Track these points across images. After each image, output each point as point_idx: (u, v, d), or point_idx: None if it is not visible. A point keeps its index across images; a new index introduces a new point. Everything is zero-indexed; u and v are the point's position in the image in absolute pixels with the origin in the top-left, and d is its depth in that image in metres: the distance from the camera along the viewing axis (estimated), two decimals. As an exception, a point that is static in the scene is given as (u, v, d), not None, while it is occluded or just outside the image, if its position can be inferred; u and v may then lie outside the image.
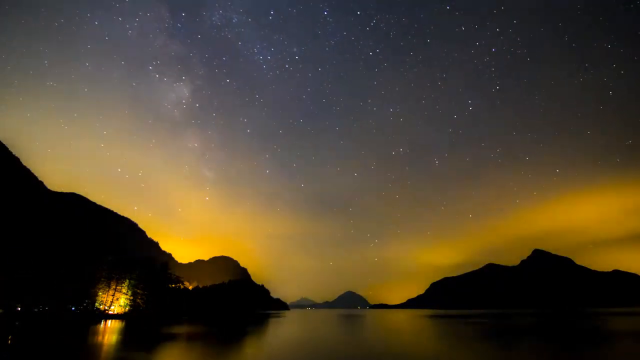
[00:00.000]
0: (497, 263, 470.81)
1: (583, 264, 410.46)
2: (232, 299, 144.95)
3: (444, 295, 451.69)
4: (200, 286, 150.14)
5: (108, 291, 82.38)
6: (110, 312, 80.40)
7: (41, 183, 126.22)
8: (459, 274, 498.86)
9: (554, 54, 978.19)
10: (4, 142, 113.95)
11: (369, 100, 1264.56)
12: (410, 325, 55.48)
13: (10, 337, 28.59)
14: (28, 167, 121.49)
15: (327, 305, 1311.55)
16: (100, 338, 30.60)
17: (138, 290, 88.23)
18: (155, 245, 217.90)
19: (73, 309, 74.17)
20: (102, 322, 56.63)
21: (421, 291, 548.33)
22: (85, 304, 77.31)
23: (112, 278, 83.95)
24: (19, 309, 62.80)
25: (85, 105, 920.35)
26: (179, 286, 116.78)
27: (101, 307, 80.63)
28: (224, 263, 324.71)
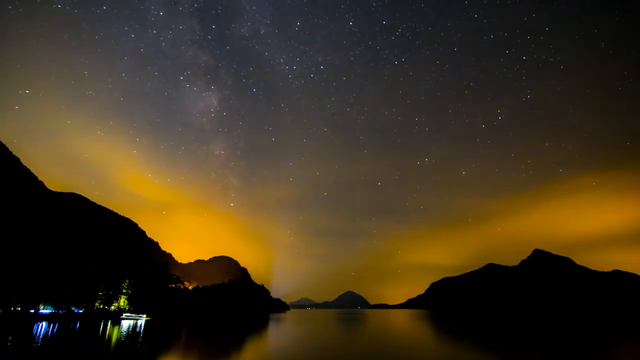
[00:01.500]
0: (497, 263, 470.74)
1: (583, 264, 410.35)
2: (232, 299, 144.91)
3: (444, 295, 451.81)
4: (200, 286, 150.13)
5: (108, 291, 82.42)
6: (110, 312, 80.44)
7: (41, 183, 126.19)
8: (459, 274, 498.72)
9: (589, 62, 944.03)
10: (6, 143, 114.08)
11: (394, 110, 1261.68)
12: (410, 325, 55.50)
13: (10, 337, 28.61)
14: (29, 167, 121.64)
15: (327, 305, 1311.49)
16: (99, 338, 30.62)
17: (138, 291, 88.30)
18: (155, 245, 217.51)
19: (73, 309, 74.19)
20: (102, 322, 56.65)
21: (421, 291, 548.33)
22: (85, 304, 77.34)
23: (112, 278, 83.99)
24: (19, 309, 62.82)
25: (121, 113, 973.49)
26: (179, 286, 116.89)
27: (101, 307, 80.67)
28: (224, 263, 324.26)
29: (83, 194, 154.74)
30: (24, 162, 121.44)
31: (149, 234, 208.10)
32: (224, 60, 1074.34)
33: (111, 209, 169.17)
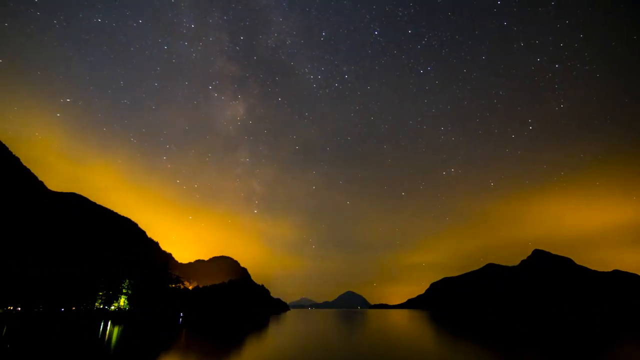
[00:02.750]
0: (497, 263, 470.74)
1: (583, 264, 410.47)
2: (232, 299, 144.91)
3: (444, 295, 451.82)
4: (200, 286, 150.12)
5: (108, 291, 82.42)
6: (110, 312, 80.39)
7: (42, 183, 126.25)
8: (459, 274, 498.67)
9: (624, 70, 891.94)
10: (8, 144, 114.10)
11: (419, 119, 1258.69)
12: (410, 325, 55.51)
13: (9, 337, 28.60)
14: (30, 167, 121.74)
15: (327, 305, 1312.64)
16: (99, 338, 30.61)
17: (138, 291, 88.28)
18: (155, 245, 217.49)
19: (73, 309, 74.17)
20: (102, 322, 56.61)
21: (421, 291, 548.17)
22: (85, 304, 77.32)
23: (112, 278, 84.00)
24: (19, 309, 62.80)
25: (153, 121, 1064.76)
26: (179, 286, 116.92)
27: (101, 307, 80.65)
28: (224, 263, 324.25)
29: (83, 194, 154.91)
30: (25, 161, 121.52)
31: (149, 234, 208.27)
32: (251, 70, 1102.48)
33: (111, 208, 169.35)
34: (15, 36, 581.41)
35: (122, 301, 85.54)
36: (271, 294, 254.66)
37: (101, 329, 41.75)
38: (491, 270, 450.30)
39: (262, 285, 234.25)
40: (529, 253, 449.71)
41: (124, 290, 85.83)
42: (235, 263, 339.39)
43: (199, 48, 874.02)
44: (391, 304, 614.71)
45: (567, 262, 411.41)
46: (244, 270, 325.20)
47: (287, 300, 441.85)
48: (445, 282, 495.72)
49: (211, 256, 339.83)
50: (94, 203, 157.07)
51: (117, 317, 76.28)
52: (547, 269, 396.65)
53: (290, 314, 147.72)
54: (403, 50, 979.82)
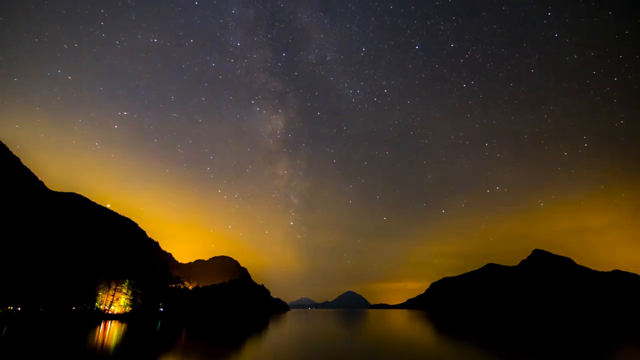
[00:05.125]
0: (497, 263, 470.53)
1: (583, 264, 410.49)
2: (232, 299, 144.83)
3: (444, 295, 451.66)
4: (200, 286, 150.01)
5: (108, 291, 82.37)
6: (110, 312, 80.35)
7: (41, 183, 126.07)
8: (459, 274, 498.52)
9: None
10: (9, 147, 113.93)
11: (461, 134, 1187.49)
12: (410, 325, 55.44)
13: (7, 337, 28.55)
14: (31, 167, 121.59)
15: (327, 305, 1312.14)
16: (99, 338, 30.56)
17: (138, 291, 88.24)
18: (155, 245, 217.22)
19: (73, 308, 74.14)
20: (102, 322, 56.56)
21: (421, 291, 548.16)
22: (85, 304, 77.28)
23: (112, 278, 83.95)
24: (19, 309, 62.75)
25: (199, 133, 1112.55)
26: (179, 286, 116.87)
27: (101, 307, 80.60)
28: (224, 263, 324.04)
29: (83, 194, 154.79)
30: (27, 162, 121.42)
31: (149, 234, 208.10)
32: (292, 85, 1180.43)
33: (111, 208, 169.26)
34: (84, 55, 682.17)
35: (122, 301, 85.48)
36: (271, 294, 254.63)
37: (101, 328, 41.70)
38: (491, 270, 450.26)
39: (262, 285, 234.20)
40: (529, 253, 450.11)
41: (124, 290, 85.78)
42: (235, 263, 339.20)
43: (244, 65, 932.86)
44: (391, 304, 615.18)
45: (567, 262, 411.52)
46: (244, 270, 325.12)
47: (287, 300, 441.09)
48: (445, 282, 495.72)
49: (211, 256, 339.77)
50: (94, 203, 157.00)
51: (117, 317, 76.22)
52: (547, 269, 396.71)
53: (290, 314, 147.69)
54: (445, 64, 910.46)
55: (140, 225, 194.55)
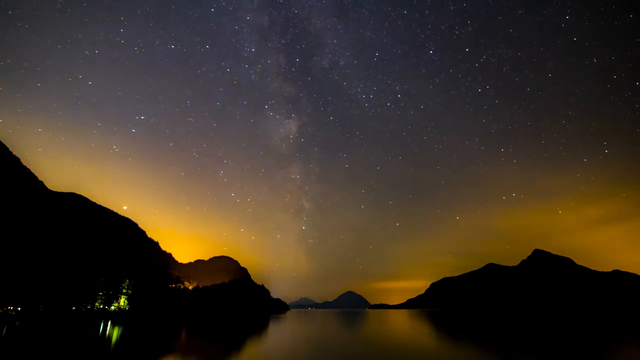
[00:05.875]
0: (497, 263, 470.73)
1: (583, 264, 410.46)
2: (232, 299, 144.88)
3: (444, 295, 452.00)
4: (200, 286, 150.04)
5: (108, 291, 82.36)
6: (110, 312, 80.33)
7: (41, 183, 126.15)
8: (459, 274, 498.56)
9: None
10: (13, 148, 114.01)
11: (476, 139, 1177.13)
12: (410, 325, 55.47)
13: (8, 337, 28.55)
14: (32, 167, 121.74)
15: (327, 305, 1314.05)
16: (99, 338, 30.56)
17: (138, 290, 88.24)
18: (155, 245, 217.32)
19: (73, 308, 74.14)
20: (102, 322, 56.55)
21: (421, 291, 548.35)
22: (85, 304, 77.27)
23: (112, 278, 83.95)
24: (19, 309, 62.76)
25: (213, 137, 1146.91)
26: (179, 286, 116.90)
27: (101, 307, 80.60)
28: (224, 263, 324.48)
29: (84, 194, 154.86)
30: (30, 162, 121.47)
31: (149, 234, 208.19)
32: (305, 90, 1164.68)
33: (111, 209, 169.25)
34: (104, 61, 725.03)
35: (122, 301, 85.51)
36: (271, 294, 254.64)
37: (101, 328, 41.71)
38: (491, 270, 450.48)
39: (262, 285, 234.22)
40: (529, 253, 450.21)
41: (124, 290, 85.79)
42: (235, 263, 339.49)
43: (258, 70, 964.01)
44: (391, 304, 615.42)
45: (567, 262, 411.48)
46: (244, 270, 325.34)
47: (287, 300, 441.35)
48: (445, 282, 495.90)
49: (211, 256, 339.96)
50: (94, 203, 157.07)
51: (117, 317, 76.22)
52: (547, 269, 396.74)
53: (290, 314, 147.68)
54: (459, 69, 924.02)
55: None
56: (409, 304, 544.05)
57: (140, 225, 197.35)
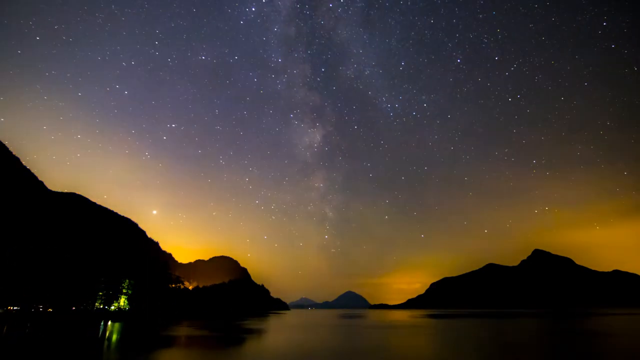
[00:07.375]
0: (497, 263, 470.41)
1: (583, 264, 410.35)
2: (232, 299, 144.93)
3: (444, 295, 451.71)
4: (200, 286, 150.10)
5: (108, 291, 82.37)
6: (110, 312, 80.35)
7: (41, 183, 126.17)
8: (459, 274, 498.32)
9: None
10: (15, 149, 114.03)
11: (506, 150, 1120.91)
12: (411, 325, 55.44)
13: (8, 337, 28.56)
14: (33, 167, 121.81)
15: (327, 305, 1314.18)
16: (99, 338, 30.57)
17: (138, 290, 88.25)
18: (155, 245, 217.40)
19: (73, 308, 74.17)
20: (102, 322, 56.57)
21: (421, 291, 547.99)
22: (85, 304, 77.30)
23: (112, 278, 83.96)
24: (19, 309, 62.79)
25: (240, 146, 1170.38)
26: (179, 286, 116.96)
27: (101, 307, 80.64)
28: (224, 263, 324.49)
29: (84, 194, 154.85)
30: (27, 162, 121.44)
31: (149, 234, 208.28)
32: (330, 100, 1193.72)
33: (111, 209, 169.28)
34: (139, 72, 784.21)
35: (122, 301, 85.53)
36: (271, 294, 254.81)
37: (101, 328, 41.73)
38: (491, 270, 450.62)
39: (262, 285, 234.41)
40: (529, 253, 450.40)
41: (124, 290, 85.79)
42: (235, 263, 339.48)
43: (284, 79, 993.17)
44: (391, 304, 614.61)
45: (567, 262, 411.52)
46: (244, 270, 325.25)
47: (287, 300, 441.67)
48: (445, 282, 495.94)
49: (211, 256, 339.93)
50: (94, 203, 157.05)
51: (117, 317, 76.21)
52: (547, 269, 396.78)
53: (290, 314, 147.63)
54: (488, 78, 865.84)
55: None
56: (409, 304, 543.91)
57: (140, 225, 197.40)
